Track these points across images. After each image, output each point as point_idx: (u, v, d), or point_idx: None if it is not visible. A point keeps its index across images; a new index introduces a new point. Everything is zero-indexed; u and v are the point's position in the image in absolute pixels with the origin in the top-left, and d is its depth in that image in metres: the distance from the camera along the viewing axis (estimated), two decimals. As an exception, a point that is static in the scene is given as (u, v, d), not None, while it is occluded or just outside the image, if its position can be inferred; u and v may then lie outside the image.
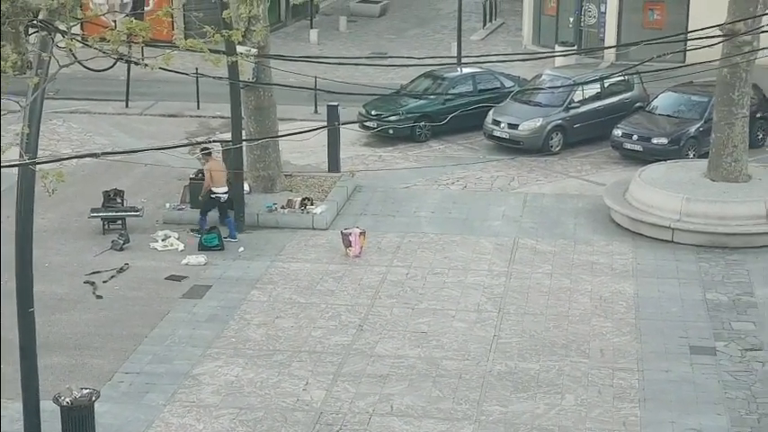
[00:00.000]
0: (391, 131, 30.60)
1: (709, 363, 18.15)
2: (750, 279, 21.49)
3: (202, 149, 24.06)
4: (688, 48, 23.24)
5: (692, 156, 28.14)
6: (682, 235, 23.24)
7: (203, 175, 24.53)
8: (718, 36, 21.65)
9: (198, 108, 33.93)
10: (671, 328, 19.37)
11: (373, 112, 31.05)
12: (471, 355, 18.50)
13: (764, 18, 23.65)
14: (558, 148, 29.81)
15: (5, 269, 17.60)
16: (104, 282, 21.66)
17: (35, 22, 12.86)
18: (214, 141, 27.84)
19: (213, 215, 23.97)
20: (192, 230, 23.74)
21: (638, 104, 30.80)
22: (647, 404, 16.87)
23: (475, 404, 16.90)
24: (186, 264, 22.42)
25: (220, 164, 24.09)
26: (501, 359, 18.32)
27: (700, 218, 23.26)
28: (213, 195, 23.64)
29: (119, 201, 24.69)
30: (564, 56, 36.16)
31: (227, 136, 26.64)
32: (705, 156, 25.89)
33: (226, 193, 23.76)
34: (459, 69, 33.16)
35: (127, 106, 34.47)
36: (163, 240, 23.50)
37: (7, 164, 12.74)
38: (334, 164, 27.81)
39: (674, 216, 23.44)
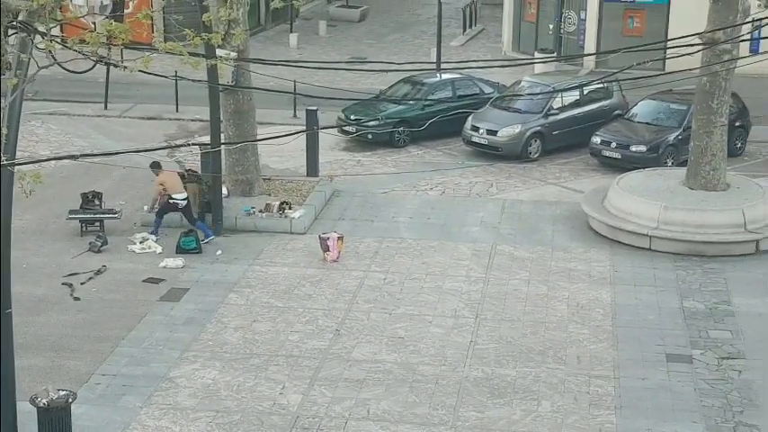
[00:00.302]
0: (370, 136, 30.60)
1: (685, 371, 18.22)
2: (727, 287, 21.60)
3: (152, 164, 24.10)
4: (668, 56, 23.38)
5: (670, 164, 28.26)
6: (659, 243, 23.34)
7: (183, 178, 24.52)
8: (698, 44, 21.75)
9: (177, 111, 33.87)
10: (648, 336, 19.44)
11: (352, 117, 31.05)
12: (448, 360, 18.52)
13: (744, 27, 23.78)
14: (536, 155, 29.88)
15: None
16: (82, 283, 21.59)
17: (15, 23, 12.82)
18: (192, 144, 27.85)
19: (174, 217, 24.01)
20: (150, 233, 23.69)
21: (617, 112, 30.91)
22: (623, 411, 16.92)
23: (451, 410, 16.92)
24: (164, 266, 22.37)
25: (171, 173, 24.09)
26: (478, 365, 18.35)
27: (678, 226, 23.36)
28: (171, 201, 23.70)
29: (97, 203, 24.62)
30: (543, 63, 36.28)
31: (206, 139, 26.60)
32: (684, 164, 26.01)
33: (185, 199, 23.78)
34: (438, 75, 33.22)
35: (106, 108, 34.36)
36: (141, 243, 23.44)
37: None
38: (312, 168, 27.80)
39: (651, 224, 23.53)
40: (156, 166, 24.03)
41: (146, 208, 25.03)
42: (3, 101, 12.97)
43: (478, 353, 18.78)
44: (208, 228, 23.83)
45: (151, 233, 23.73)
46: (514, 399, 17.27)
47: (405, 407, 17.00)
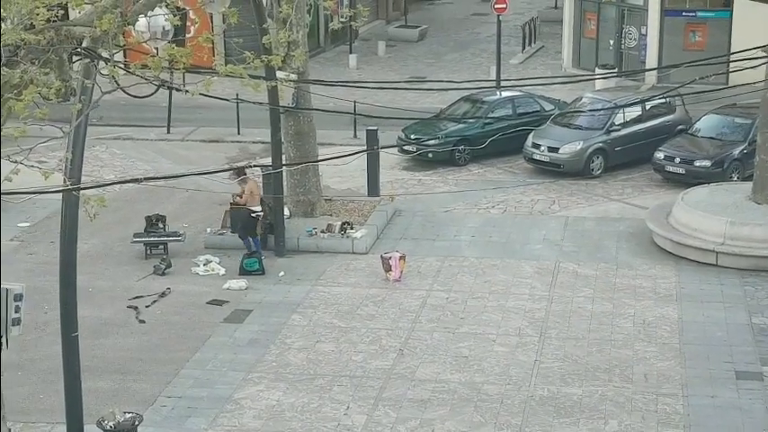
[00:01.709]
0: (430, 155, 30.58)
1: (755, 388, 17.93)
2: (796, 303, 21.26)
3: (238, 174, 24.13)
4: (731, 69, 23.08)
5: (735, 178, 27.91)
6: (726, 258, 23.02)
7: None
8: (762, 57, 21.47)
9: (238, 133, 34.10)
10: (716, 353, 19.17)
11: (412, 136, 31.05)
12: (513, 379, 18.38)
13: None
14: (598, 172, 29.65)
15: (48, 297, 17.72)
16: (147, 306, 21.75)
17: (79, 49, 12.97)
18: (255, 166, 27.94)
19: (236, 239, 24.11)
20: (253, 253, 23.51)
21: (680, 127, 30.60)
22: (691, 430, 16.68)
23: (517, 429, 16.78)
24: (227, 288, 22.47)
25: (258, 184, 24.22)
26: (543, 384, 18.19)
27: (744, 241, 23.03)
28: (253, 214, 23.74)
29: (161, 226, 24.82)
30: (604, 78, 36.04)
31: (268, 161, 26.73)
32: (749, 178, 25.65)
33: (262, 212, 23.92)
34: (498, 93, 33.11)
35: (168, 132, 34.69)
36: (204, 265, 23.58)
37: (51, 190, 12.83)
38: (373, 188, 27.82)
39: (718, 239, 23.23)
40: (242, 173, 24.03)
41: (209, 230, 25.13)
42: (68, 127, 13.11)
43: (543, 371, 18.63)
44: (258, 242, 23.83)
45: (254, 253, 23.41)
46: (581, 418, 17.09)
47: (470, 427, 16.89)
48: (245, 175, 24.10)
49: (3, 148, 12.20)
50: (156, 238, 24.45)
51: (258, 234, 23.96)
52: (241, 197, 24.00)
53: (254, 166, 27.09)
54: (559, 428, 16.79)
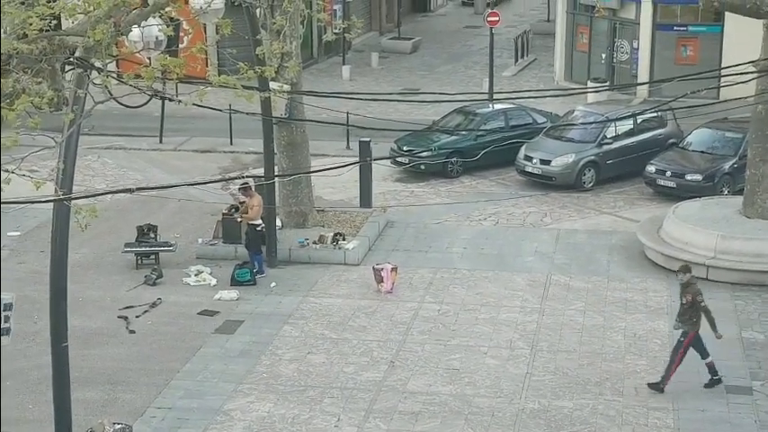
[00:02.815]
0: (423, 167, 30.61)
1: (745, 402, 17.94)
2: (786, 317, 21.29)
3: (242, 185, 24.07)
4: (722, 84, 23.16)
5: (726, 192, 27.96)
6: (717, 272, 23.06)
7: (236, 210, 24.59)
8: (753, 72, 21.52)
9: (231, 144, 34.09)
10: (706, 367, 19.13)
11: (405, 148, 31.08)
12: (504, 392, 18.37)
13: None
14: (590, 184, 29.71)
15: (38, 307, 17.69)
16: (137, 316, 21.71)
17: (71, 59, 12.96)
18: (247, 177, 27.93)
19: (228, 249, 24.05)
20: (257, 273, 23.44)
21: (671, 141, 30.67)
22: (682, 443, 16.68)
23: (508, 442, 16.77)
24: (218, 299, 22.45)
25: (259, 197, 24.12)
26: (534, 397, 18.18)
27: (735, 255, 23.07)
28: (258, 228, 23.68)
29: (152, 236, 24.79)
30: (596, 92, 36.11)
31: (260, 171, 26.72)
32: (740, 192, 25.71)
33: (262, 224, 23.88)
34: (490, 105, 33.18)
35: (161, 142, 34.68)
36: (195, 275, 23.55)
37: (42, 199, 12.81)
38: (366, 199, 27.82)
39: (708, 253, 23.26)
40: (247, 187, 23.94)
41: (201, 240, 25.12)
42: (60, 136, 13.10)
43: (535, 384, 18.62)
44: (263, 262, 23.80)
45: (245, 264, 23.40)
46: (572, 431, 17.08)
47: (460, 439, 16.86)
48: (249, 186, 23.96)
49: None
50: (147, 248, 24.42)
51: (261, 251, 23.81)
52: (246, 211, 23.73)
53: (247, 176, 27.09)
54: (550, 441, 16.78)
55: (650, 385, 18.23)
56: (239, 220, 23.95)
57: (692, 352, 19.68)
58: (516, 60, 46.11)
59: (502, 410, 17.74)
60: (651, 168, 28.93)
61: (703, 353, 18.33)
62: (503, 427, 17.19)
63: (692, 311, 18.10)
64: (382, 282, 22.70)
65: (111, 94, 13.13)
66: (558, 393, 18.30)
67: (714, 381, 18.33)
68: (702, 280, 22.96)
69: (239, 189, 24.35)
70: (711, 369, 18.36)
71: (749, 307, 21.79)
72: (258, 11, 24.02)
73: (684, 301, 18.18)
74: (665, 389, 18.15)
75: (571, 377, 18.86)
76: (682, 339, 18.20)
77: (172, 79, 13.38)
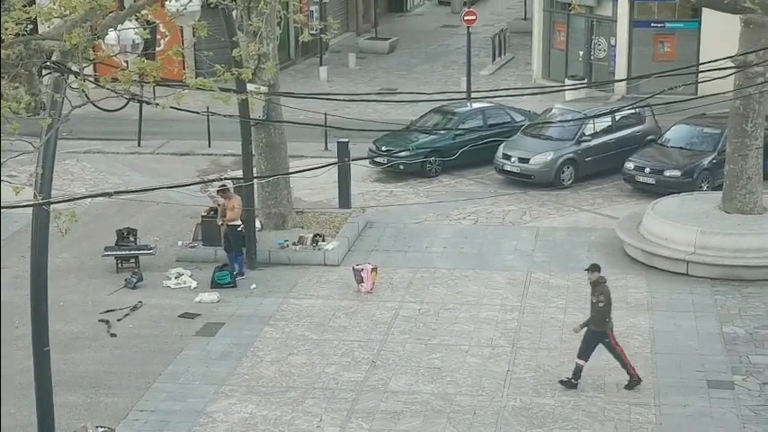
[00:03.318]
0: (402, 167, 30.61)
1: (727, 397, 18.03)
2: (767, 311, 21.36)
3: (220, 187, 24.01)
4: (700, 80, 23.23)
5: (705, 188, 28.07)
6: (696, 268, 23.16)
7: (215, 213, 24.55)
8: (731, 68, 21.65)
9: (209, 146, 34.03)
10: (687, 362, 19.26)
11: (383, 148, 31.09)
12: (485, 390, 18.41)
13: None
14: (569, 182, 29.78)
15: (19, 311, 17.64)
16: (118, 320, 21.66)
17: (48, 63, 12.94)
18: (226, 179, 27.89)
19: (208, 251, 24.02)
20: (236, 275, 23.44)
21: (649, 137, 30.77)
22: (664, 439, 16.75)
23: (490, 440, 16.80)
24: (199, 301, 22.41)
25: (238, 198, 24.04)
26: (515, 394, 18.22)
27: (715, 250, 23.17)
28: (238, 229, 23.63)
29: (132, 239, 24.73)
30: (574, 90, 36.20)
31: (239, 173, 26.69)
32: (719, 188, 25.82)
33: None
34: (468, 104, 33.20)
35: (139, 145, 34.58)
36: (176, 278, 23.51)
37: (21, 204, 12.77)
38: (344, 200, 27.81)
39: (688, 249, 23.36)
40: (225, 190, 23.86)
41: (180, 243, 25.07)
42: (38, 141, 13.07)
43: (516, 382, 18.66)
44: (243, 263, 23.79)
45: (225, 266, 23.33)
46: (554, 428, 17.13)
47: (443, 438, 16.89)
48: (227, 188, 23.89)
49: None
50: (127, 252, 24.37)
51: (242, 252, 23.77)
52: (225, 214, 23.65)
53: (226, 179, 27.05)
54: (532, 439, 16.82)
55: (627, 387, 18.24)
56: (220, 223, 23.86)
57: (676, 346, 19.79)
58: (494, 59, 46.17)
59: (483, 408, 17.78)
60: (630, 165, 29.02)
61: (584, 353, 18.23)
62: (485, 425, 17.22)
63: (605, 311, 18.10)
64: (362, 282, 22.71)
65: (89, 98, 13.12)
66: (539, 391, 18.34)
67: (572, 383, 18.20)
68: (682, 275, 23.13)
69: (218, 191, 24.31)
70: (577, 371, 18.24)
71: (729, 302, 21.89)
72: (234, 13, 23.98)
73: (596, 301, 18.18)
74: (642, 377, 18.20)
75: (552, 374, 18.91)
76: (607, 341, 18.20)
77: (149, 82, 13.38)
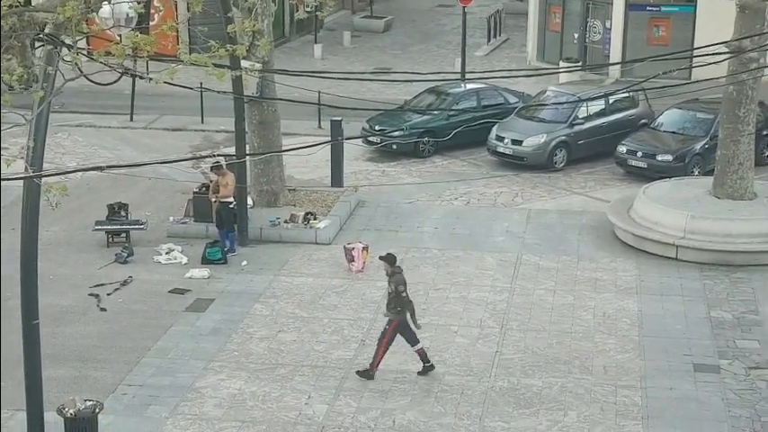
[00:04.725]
0: (395, 147, 30.62)
1: (713, 381, 18.12)
2: (755, 297, 21.46)
3: (214, 164, 23.98)
4: (694, 64, 23.27)
5: (697, 173, 28.12)
6: (686, 252, 23.22)
7: (207, 189, 24.55)
8: (725, 53, 21.65)
9: (202, 122, 33.99)
10: (675, 346, 19.34)
11: (377, 128, 31.08)
12: (474, 370, 18.47)
13: (770, 35, 23.64)
14: (561, 165, 29.81)
15: (9, 284, 17.64)
16: (108, 294, 21.68)
17: (41, 36, 12.90)
18: (218, 155, 27.88)
19: (200, 227, 24.02)
20: (227, 251, 23.39)
21: (642, 121, 30.80)
22: (650, 422, 16.83)
23: (477, 420, 16.88)
24: (189, 277, 22.43)
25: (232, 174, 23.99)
26: (503, 375, 18.29)
27: (704, 235, 23.23)
28: (231, 205, 23.62)
29: (123, 214, 24.72)
30: (568, 72, 36.19)
31: (231, 150, 26.68)
32: (710, 173, 25.86)
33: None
34: (462, 85, 33.20)
35: (131, 120, 34.53)
36: (166, 254, 23.52)
37: (12, 177, 12.76)
38: (337, 179, 27.82)
39: (678, 233, 23.42)
40: (218, 166, 23.82)
41: (171, 219, 25.08)
42: (30, 114, 13.04)
43: (504, 363, 18.73)
44: (235, 240, 23.79)
45: (216, 242, 23.30)
46: (541, 409, 17.21)
47: (430, 417, 16.96)
48: (221, 164, 23.85)
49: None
50: (118, 227, 24.37)
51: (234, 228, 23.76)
52: (218, 190, 23.63)
53: (218, 155, 27.05)
54: (519, 419, 16.90)
55: (359, 373, 18.02)
56: (213, 200, 23.81)
57: (664, 330, 19.88)
58: (489, 40, 46.11)
59: (471, 388, 17.84)
60: (622, 149, 29.05)
61: (412, 341, 18.16)
62: (472, 405, 17.30)
63: (396, 300, 18.04)
64: (353, 261, 22.74)
65: (82, 72, 13.08)
66: (527, 372, 18.41)
67: (427, 368, 18.15)
68: (672, 260, 23.21)
69: (211, 168, 24.29)
70: (422, 356, 18.19)
71: (717, 286, 21.97)
72: (230, -12, 23.91)
73: (390, 291, 18.13)
74: (375, 375, 18.01)
75: (540, 356, 18.98)
76: (387, 327, 18.08)
77: (142, 57, 13.35)
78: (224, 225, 23.63)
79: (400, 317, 18.06)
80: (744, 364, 18.72)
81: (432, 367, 18.28)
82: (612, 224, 24.73)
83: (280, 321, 20.43)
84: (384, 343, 18.10)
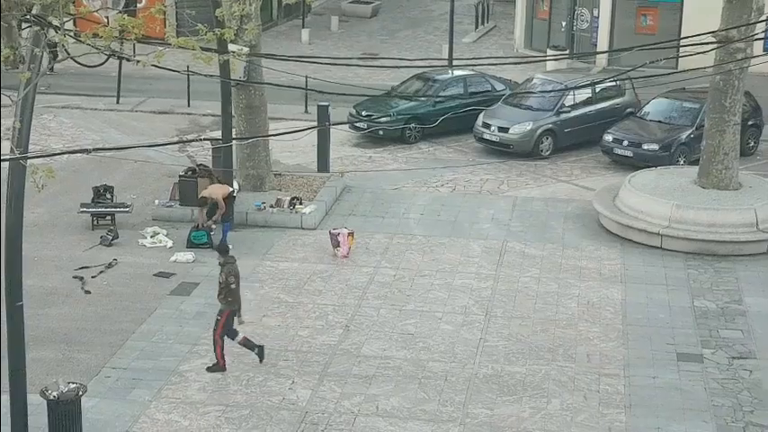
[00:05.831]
0: (381, 132, 30.62)
1: (696, 370, 18.19)
2: (739, 287, 21.55)
3: (201, 170, 23.95)
4: (681, 54, 23.31)
5: (682, 162, 28.19)
6: (671, 241, 23.29)
7: (193, 173, 24.52)
8: (712, 43, 21.70)
9: (189, 105, 33.90)
10: (658, 335, 19.41)
11: (364, 113, 31.06)
12: (458, 357, 18.51)
13: (758, 25, 23.70)
14: (548, 153, 29.84)
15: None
16: (93, 277, 21.63)
17: (28, 16, 12.84)
18: (204, 139, 27.83)
19: (186, 211, 24.00)
20: (195, 228, 23.32)
21: (629, 110, 30.85)
22: (632, 410, 16.90)
23: (460, 406, 16.92)
24: (174, 261, 22.40)
25: (220, 187, 23.75)
26: (487, 362, 18.34)
27: (689, 225, 23.30)
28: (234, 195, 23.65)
29: (108, 197, 24.67)
30: (555, 60, 36.23)
31: (218, 134, 26.62)
32: (696, 163, 25.91)
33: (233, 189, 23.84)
34: (450, 72, 33.19)
35: (118, 102, 34.42)
36: (151, 237, 23.48)
37: (-2, 158, 12.71)
38: (323, 164, 27.81)
39: (663, 222, 23.48)
40: (207, 173, 23.71)
41: (157, 202, 25.06)
42: (16, 94, 12.99)
43: (488, 350, 18.78)
44: (228, 231, 23.59)
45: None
46: (524, 396, 17.26)
47: (414, 403, 17.00)
48: (210, 170, 23.83)
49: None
50: (103, 209, 24.31)
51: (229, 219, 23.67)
52: (213, 211, 23.32)
53: (204, 139, 27.00)
54: (502, 406, 16.95)
55: (209, 369, 17.85)
56: (213, 226, 23.47)
57: (648, 319, 19.95)
58: (476, 27, 46.12)
59: (455, 375, 17.88)
60: (608, 137, 29.10)
61: (231, 332, 18.00)
62: (456, 392, 17.33)
63: (227, 291, 17.99)
64: (338, 246, 22.74)
65: (69, 53, 13.04)
66: (511, 359, 18.46)
67: (260, 352, 18.02)
68: (656, 249, 23.27)
69: (199, 171, 24.17)
70: (248, 344, 18.04)
71: (702, 276, 22.04)
72: (218, -28, 23.84)
73: (221, 281, 18.05)
74: (226, 366, 17.88)
75: (524, 343, 19.03)
76: (218, 318, 17.94)
77: (130, 39, 13.31)
78: (225, 216, 23.43)
79: (232, 306, 17.89)
80: (727, 353, 18.80)
81: (262, 348, 18.06)
82: (598, 213, 24.79)
83: (264, 306, 20.43)
84: (218, 333, 17.86)
